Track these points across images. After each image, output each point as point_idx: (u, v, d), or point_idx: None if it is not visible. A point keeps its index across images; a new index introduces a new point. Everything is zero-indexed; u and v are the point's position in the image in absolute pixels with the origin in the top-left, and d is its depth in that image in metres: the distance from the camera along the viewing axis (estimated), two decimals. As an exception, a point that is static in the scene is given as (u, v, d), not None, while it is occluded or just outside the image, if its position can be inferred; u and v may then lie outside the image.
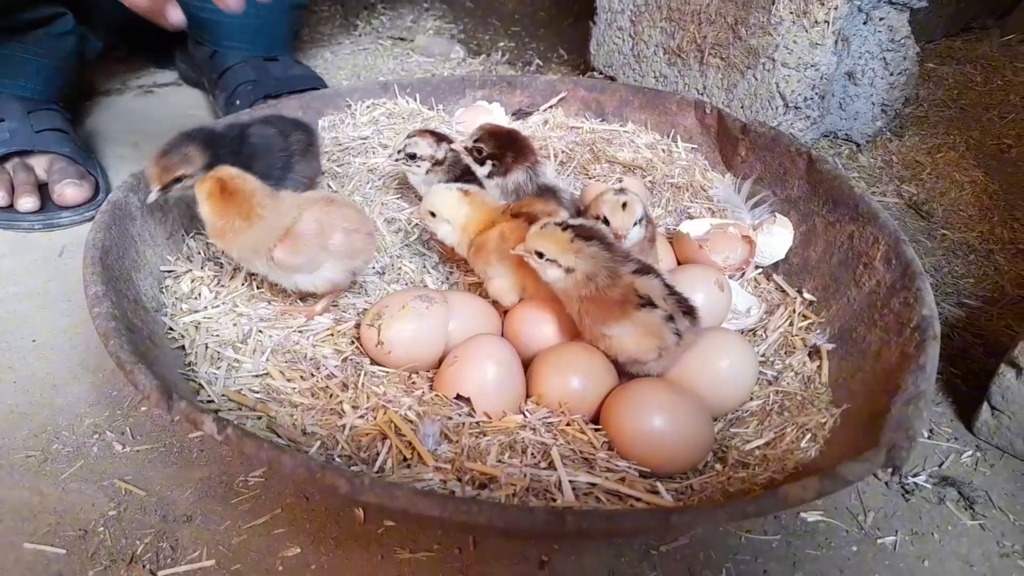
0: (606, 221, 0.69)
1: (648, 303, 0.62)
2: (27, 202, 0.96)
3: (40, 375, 0.76)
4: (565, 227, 0.64)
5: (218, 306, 0.66)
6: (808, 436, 0.61)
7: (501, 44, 1.70)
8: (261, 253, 0.65)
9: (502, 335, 0.70)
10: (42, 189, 0.99)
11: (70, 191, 0.98)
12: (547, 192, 0.80)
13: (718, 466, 0.61)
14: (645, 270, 0.64)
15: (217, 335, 0.64)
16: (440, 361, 0.65)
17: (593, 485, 0.55)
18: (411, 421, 0.57)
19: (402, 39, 1.65)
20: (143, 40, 1.38)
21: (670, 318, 0.63)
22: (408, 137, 0.85)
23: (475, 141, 0.80)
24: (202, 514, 0.64)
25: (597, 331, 0.64)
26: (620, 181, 0.90)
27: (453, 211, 0.74)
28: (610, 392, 0.64)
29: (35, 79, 1.06)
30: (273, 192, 0.67)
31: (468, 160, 0.80)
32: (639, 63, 1.39)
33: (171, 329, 0.66)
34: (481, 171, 0.81)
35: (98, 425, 0.71)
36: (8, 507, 0.64)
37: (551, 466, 0.56)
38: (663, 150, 1.00)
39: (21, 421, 0.71)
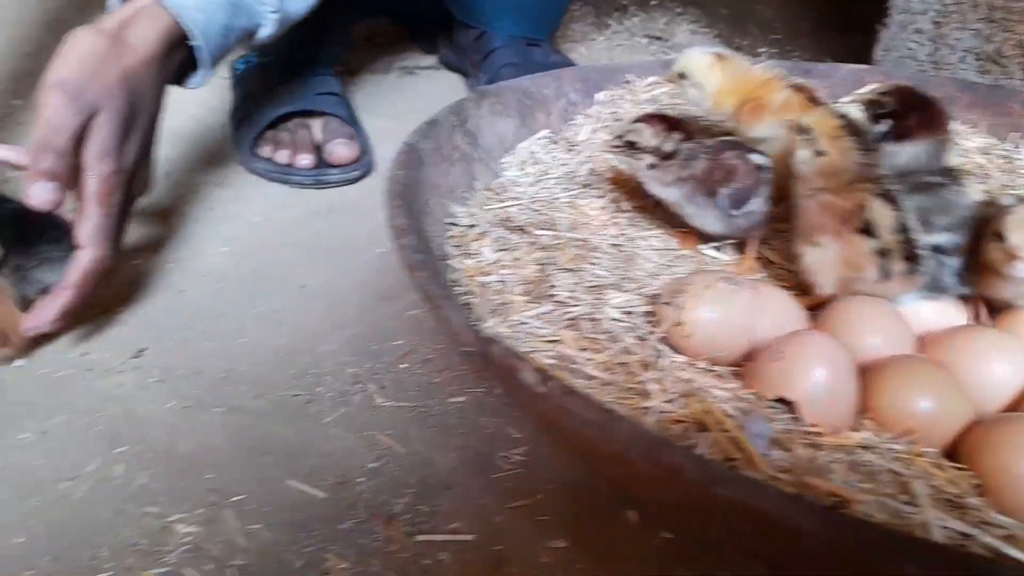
0: (999, 236, 0.57)
1: (868, 230, 0.59)
2: (304, 159, 1.02)
3: (306, 321, 0.78)
4: (840, 116, 0.64)
5: (507, 264, 0.63)
6: None
7: (762, 50, 1.60)
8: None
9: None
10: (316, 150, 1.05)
11: (341, 149, 1.02)
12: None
13: None
14: (888, 197, 0.59)
15: (502, 293, 0.60)
16: (744, 355, 0.57)
17: (967, 536, 0.44)
18: (729, 416, 0.49)
19: (658, 38, 1.61)
20: (409, 27, 1.46)
21: (884, 253, 0.58)
22: (633, 122, 0.72)
23: (882, 94, 0.72)
24: (462, 484, 0.61)
25: (796, 246, 0.63)
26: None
27: (705, 75, 0.73)
28: (973, 423, 0.51)
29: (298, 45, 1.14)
30: None
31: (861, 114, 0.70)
32: (938, 70, 1.23)
33: (453, 282, 0.63)
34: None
35: (359, 376, 0.71)
36: (277, 442, 0.64)
37: (910, 502, 0.45)
38: (1000, 156, 0.85)
39: (287, 361, 0.73)
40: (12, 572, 0.55)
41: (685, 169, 0.67)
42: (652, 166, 0.69)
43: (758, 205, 0.65)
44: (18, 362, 0.72)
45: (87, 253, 0.69)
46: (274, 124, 1.05)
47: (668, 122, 0.70)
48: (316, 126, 1.07)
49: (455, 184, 0.70)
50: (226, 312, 0.79)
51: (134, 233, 0.88)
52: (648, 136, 0.68)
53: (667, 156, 0.68)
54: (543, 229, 0.65)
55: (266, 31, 0.83)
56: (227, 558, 0.56)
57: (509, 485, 0.60)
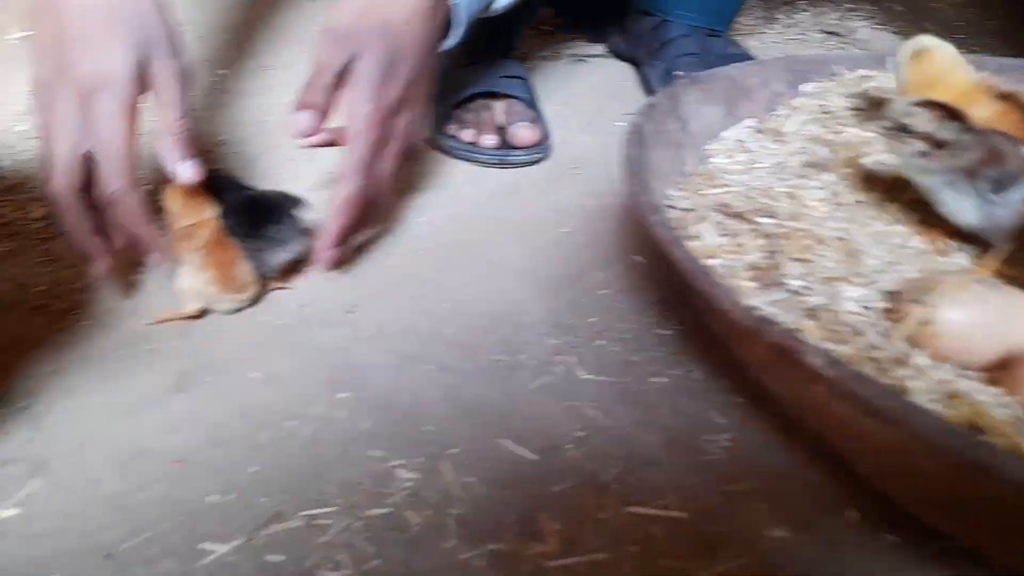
0: None
1: None
2: (489, 139, 1.05)
3: (505, 291, 0.81)
4: None
5: (730, 249, 0.63)
6: None
7: (946, 50, 1.51)
8: None
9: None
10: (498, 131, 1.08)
11: (525, 132, 1.05)
12: None
13: None
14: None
15: (729, 277, 0.60)
16: (998, 361, 0.54)
17: None
18: (1006, 422, 0.47)
19: (834, 33, 1.55)
20: (577, 15, 1.47)
21: None
22: (910, 104, 0.69)
23: None
24: (669, 462, 0.61)
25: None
26: None
27: (903, 65, 0.72)
28: None
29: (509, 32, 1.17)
30: None
31: None
32: None
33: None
34: None
35: (560, 348, 0.73)
36: (486, 402, 0.67)
37: None
38: None
39: (491, 327, 0.76)
40: (248, 497, 0.60)
41: (955, 158, 0.64)
42: (923, 153, 0.65)
43: (1021, 193, 0.61)
44: (248, 309, 0.78)
45: (344, 185, 0.77)
46: (459, 104, 1.09)
47: (946, 110, 0.66)
48: (499, 108, 1.10)
49: (669, 168, 0.70)
50: (428, 279, 0.83)
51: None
52: (925, 121, 0.65)
53: (939, 144, 0.64)
54: (764, 216, 0.64)
55: (503, 1, 0.86)
56: (444, 506, 0.59)
57: (720, 469, 0.60)
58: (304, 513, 0.58)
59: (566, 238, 0.89)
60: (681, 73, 1.18)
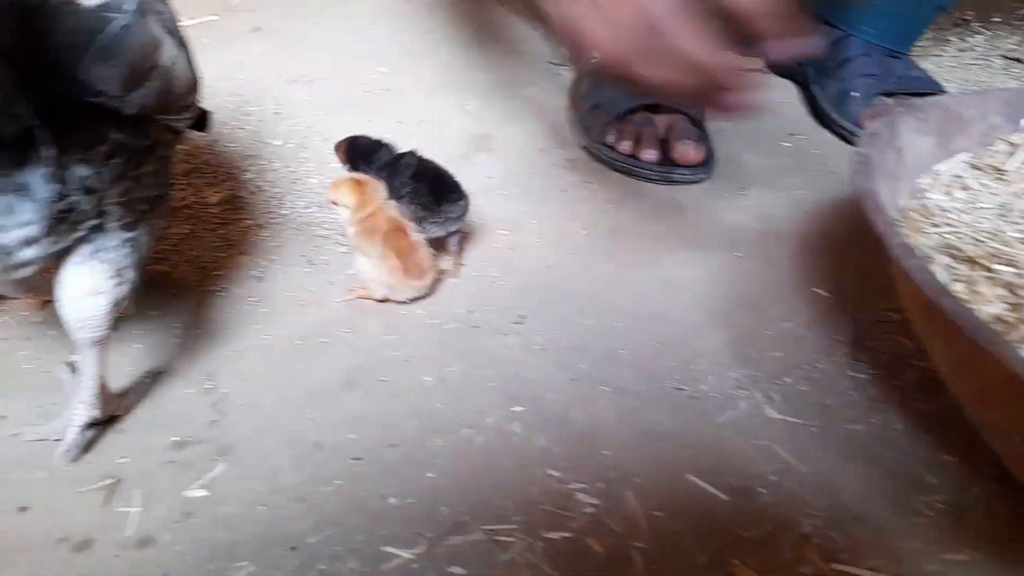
0: None
1: None
2: (649, 153, 1.02)
3: (678, 313, 0.78)
4: None
5: (964, 297, 0.57)
6: None
7: None
8: None
9: None
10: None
11: (690, 150, 1.01)
12: None
13: None
14: None
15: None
16: None
17: None
18: None
19: (1018, 60, 1.43)
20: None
21: None
22: None
23: None
24: (877, 520, 0.57)
25: None
26: None
27: None
28: None
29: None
30: None
31: None
32: None
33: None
34: None
35: (743, 381, 0.69)
36: (666, 430, 0.64)
37: None
38: None
39: (666, 351, 0.73)
40: (429, 506, 0.59)
41: None
42: None
43: None
44: (417, 311, 0.78)
45: None
46: (621, 115, 1.06)
47: None
48: (662, 121, 1.06)
49: (886, 202, 0.65)
50: (596, 293, 0.81)
51: (500, 208, 0.94)
52: None
53: None
54: (1002, 264, 0.58)
55: None
56: (629, 537, 0.56)
57: (937, 534, 0.55)
58: (486, 527, 0.57)
59: (739, 263, 0.85)
60: (857, 95, 1.12)
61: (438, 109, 1.16)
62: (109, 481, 0.61)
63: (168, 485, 0.61)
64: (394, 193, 0.82)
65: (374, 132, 1.07)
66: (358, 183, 0.80)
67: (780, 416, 0.65)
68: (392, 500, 0.60)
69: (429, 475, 0.62)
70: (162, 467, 0.63)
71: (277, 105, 1.12)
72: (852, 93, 1.10)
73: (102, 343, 0.62)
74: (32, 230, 0.52)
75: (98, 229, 0.57)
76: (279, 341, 0.75)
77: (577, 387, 0.69)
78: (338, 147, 0.90)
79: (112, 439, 0.65)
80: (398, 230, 0.78)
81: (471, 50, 1.33)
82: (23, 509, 0.59)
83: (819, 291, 0.80)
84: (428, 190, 0.81)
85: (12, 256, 0.53)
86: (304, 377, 0.71)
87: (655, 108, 1.07)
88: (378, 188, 0.80)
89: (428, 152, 1.05)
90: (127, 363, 0.71)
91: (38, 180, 0.50)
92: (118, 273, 0.60)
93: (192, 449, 0.64)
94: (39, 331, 0.75)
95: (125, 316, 0.66)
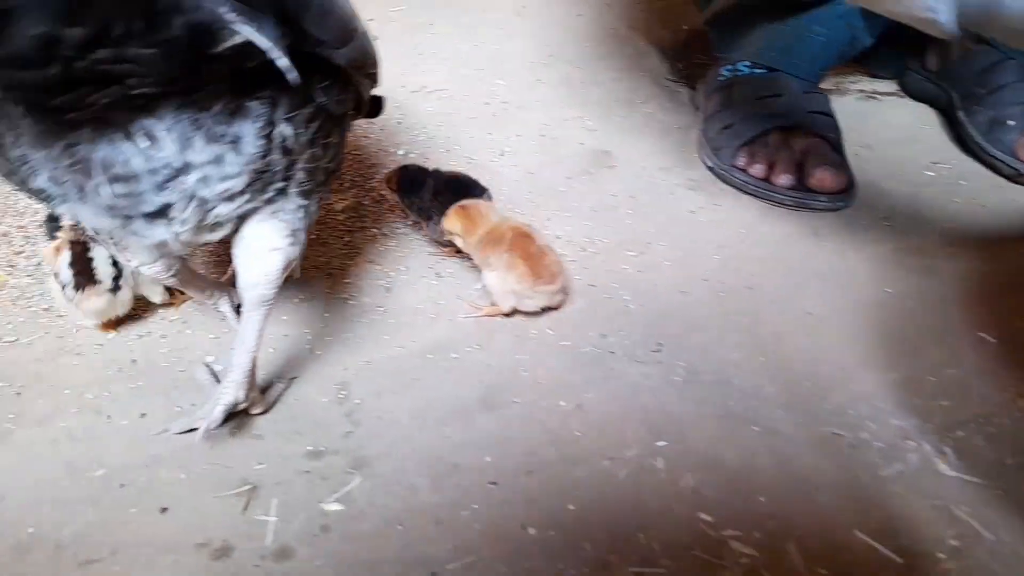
0: None
1: None
2: (784, 178, 0.98)
3: (827, 351, 0.73)
4: None
5: None
6: None
7: None
8: None
9: None
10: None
11: (829, 177, 0.96)
12: None
13: None
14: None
15: None
16: None
17: None
18: None
19: None
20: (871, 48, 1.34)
21: None
22: None
23: None
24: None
25: None
26: None
27: None
28: None
29: (810, 60, 1.08)
30: None
31: None
32: None
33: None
34: None
35: (909, 431, 0.64)
36: (827, 480, 0.60)
37: None
38: None
39: (819, 393, 0.69)
40: (571, 540, 0.57)
41: None
42: None
43: None
44: (547, 331, 0.76)
45: None
46: (754, 137, 1.02)
47: None
48: (799, 145, 1.01)
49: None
50: (735, 323, 0.77)
51: (625, 227, 0.91)
52: None
53: None
54: None
55: None
56: (789, 595, 0.52)
57: None
58: (634, 570, 0.54)
59: (890, 300, 0.80)
60: (1013, 123, 1.04)
61: (556, 124, 1.14)
62: (246, 487, 0.61)
63: (304, 496, 0.61)
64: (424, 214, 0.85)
65: (494, 146, 1.08)
66: (463, 209, 0.80)
67: (955, 474, 0.60)
68: (532, 530, 0.58)
69: (570, 507, 0.59)
70: (298, 476, 0.62)
71: (400, 115, 1.12)
72: (1008, 122, 1.02)
73: (268, 308, 0.64)
74: (234, 184, 0.53)
75: (281, 192, 0.59)
76: (409, 354, 0.74)
77: (725, 425, 0.65)
78: (388, 178, 0.90)
79: (249, 444, 0.65)
80: (525, 236, 0.77)
81: (588, 65, 1.31)
82: (164, 510, 0.59)
83: (985, 336, 0.74)
84: (452, 198, 0.82)
85: (210, 212, 0.54)
86: (438, 394, 0.69)
87: (791, 130, 1.02)
88: (487, 208, 0.80)
89: (548, 168, 1.04)
90: (261, 368, 0.71)
91: (250, 134, 0.51)
92: (292, 234, 0.61)
93: (327, 460, 0.63)
94: (176, 329, 0.76)
95: (290, 279, 0.68)
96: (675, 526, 0.57)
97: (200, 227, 0.55)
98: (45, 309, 0.78)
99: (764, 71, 1.08)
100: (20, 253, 0.87)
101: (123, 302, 0.72)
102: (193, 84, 0.47)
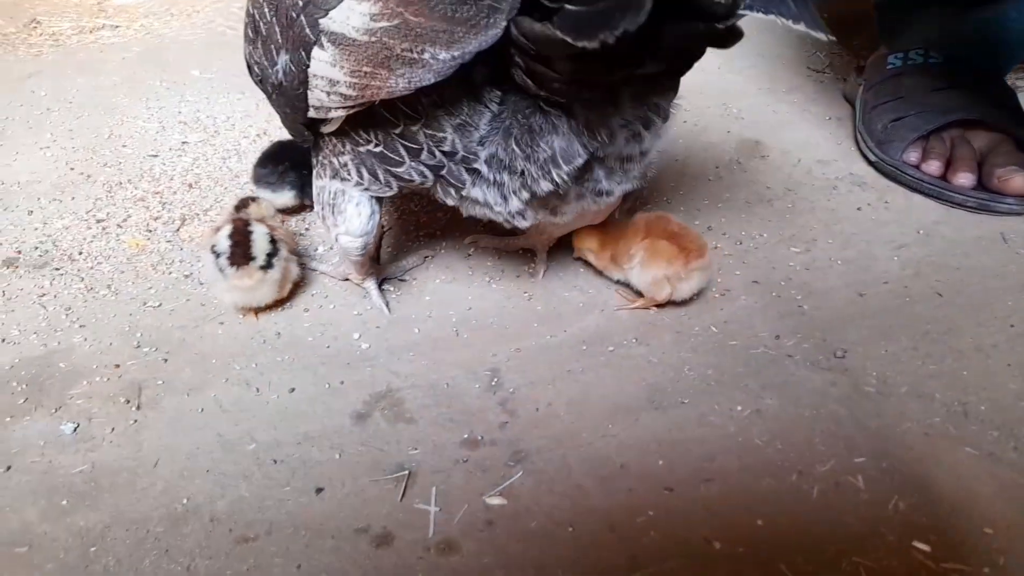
0: None
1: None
2: (964, 177, 0.89)
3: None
4: None
5: None
6: None
7: None
8: None
9: None
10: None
11: (1017, 179, 0.87)
12: None
13: None
14: None
15: None
16: None
17: None
18: None
19: None
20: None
21: None
22: None
23: None
24: None
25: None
26: None
27: None
28: None
29: (1000, 51, 0.99)
30: None
31: None
32: None
33: None
34: None
35: None
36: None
37: None
38: None
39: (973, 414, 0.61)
40: (762, 559, 0.51)
41: None
42: None
43: None
44: (711, 328, 0.71)
45: None
46: (932, 131, 0.94)
47: None
48: (981, 141, 0.93)
49: None
50: (926, 332, 0.69)
51: (786, 222, 0.85)
52: None
53: None
54: None
55: None
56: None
57: None
58: (837, 597, 0.48)
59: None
60: None
61: (700, 111, 1.08)
62: (402, 473, 0.58)
63: (464, 486, 0.57)
64: None
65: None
66: (594, 228, 0.75)
67: None
68: (717, 544, 0.52)
69: (759, 522, 0.54)
70: (455, 465, 0.59)
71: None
72: None
73: None
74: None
75: None
76: (561, 344, 0.69)
77: (933, 445, 0.58)
78: None
79: (401, 429, 0.62)
80: (659, 218, 0.73)
81: (720, 52, 1.24)
82: (320, 490, 0.57)
83: None
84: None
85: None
86: (596, 387, 0.65)
87: (972, 125, 0.93)
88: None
89: (698, 157, 0.98)
90: (406, 348, 0.68)
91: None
92: None
93: (485, 451, 0.60)
94: (318, 304, 0.74)
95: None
96: (885, 554, 0.51)
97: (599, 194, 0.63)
98: (186, 276, 0.77)
99: (940, 60, 0.99)
100: (158, 219, 0.87)
101: (271, 282, 0.70)
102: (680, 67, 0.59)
